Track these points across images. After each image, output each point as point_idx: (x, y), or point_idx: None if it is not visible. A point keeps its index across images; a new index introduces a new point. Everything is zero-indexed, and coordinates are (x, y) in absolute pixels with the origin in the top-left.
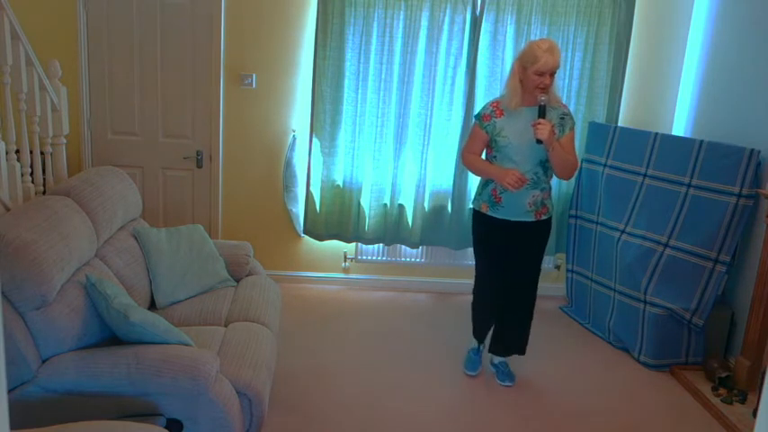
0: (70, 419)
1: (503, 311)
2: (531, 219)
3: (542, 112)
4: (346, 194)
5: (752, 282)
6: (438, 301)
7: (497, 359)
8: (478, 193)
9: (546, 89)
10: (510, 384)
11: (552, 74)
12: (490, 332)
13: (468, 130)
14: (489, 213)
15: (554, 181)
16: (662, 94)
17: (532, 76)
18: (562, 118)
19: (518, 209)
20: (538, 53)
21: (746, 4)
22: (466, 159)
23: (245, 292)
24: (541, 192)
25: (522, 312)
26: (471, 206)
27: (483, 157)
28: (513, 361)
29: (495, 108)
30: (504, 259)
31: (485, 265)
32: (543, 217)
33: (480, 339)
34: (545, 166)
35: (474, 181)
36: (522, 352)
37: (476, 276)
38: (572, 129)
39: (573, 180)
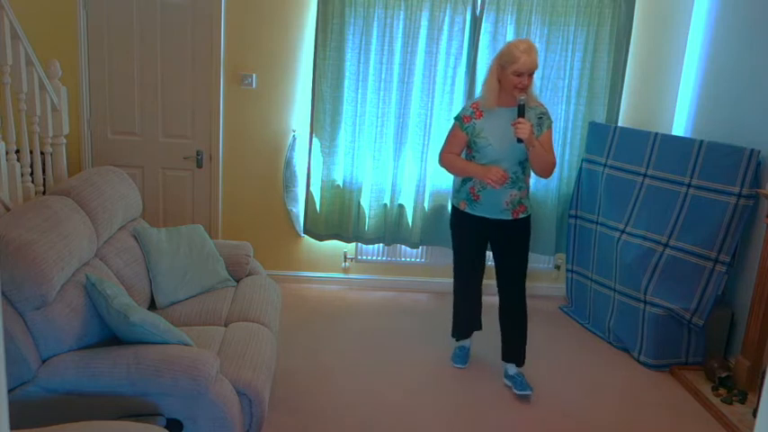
0: (70, 419)
1: (505, 318)
2: (509, 217)
3: (521, 112)
4: (346, 194)
5: (752, 282)
6: (438, 301)
7: (513, 370)
8: (456, 191)
9: (525, 89)
10: (529, 393)
11: (530, 74)
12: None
13: None
14: (467, 210)
15: (554, 182)
16: (662, 94)
17: (511, 77)
18: (540, 117)
19: (496, 207)
20: (516, 53)
21: (746, 4)
22: (444, 159)
23: (245, 292)
24: (519, 191)
25: (517, 316)
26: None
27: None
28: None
29: (476, 109)
30: (483, 254)
31: (464, 261)
32: (521, 216)
33: (463, 336)
34: (524, 166)
35: None
36: (520, 362)
37: (455, 275)
38: (549, 127)
39: (573, 180)
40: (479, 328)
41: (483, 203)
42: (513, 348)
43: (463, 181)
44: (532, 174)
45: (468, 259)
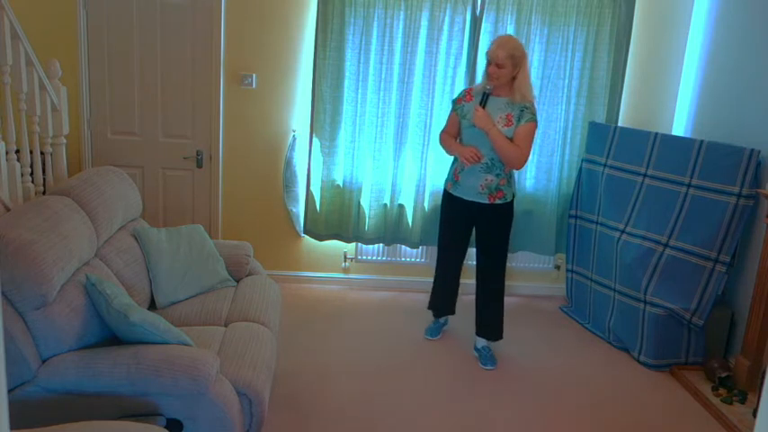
0: (70, 419)
1: (478, 296)
2: (485, 201)
3: (483, 100)
4: (346, 194)
5: (752, 282)
6: None
7: (481, 344)
8: (448, 174)
9: (492, 78)
10: (492, 367)
11: (498, 64)
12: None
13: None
14: (451, 191)
15: (554, 182)
16: (662, 94)
17: (487, 65)
18: (522, 110)
19: (471, 189)
20: (491, 45)
21: (746, 4)
22: (441, 137)
23: (245, 292)
24: (496, 177)
25: (493, 297)
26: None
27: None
28: (511, 357)
29: (467, 93)
30: (466, 236)
31: (446, 240)
32: (498, 201)
33: (438, 314)
34: None
35: None
36: (494, 338)
37: (438, 254)
38: (528, 121)
39: (573, 180)
40: (452, 312)
41: (462, 185)
42: (487, 325)
43: (452, 164)
44: (534, 174)
45: (450, 238)
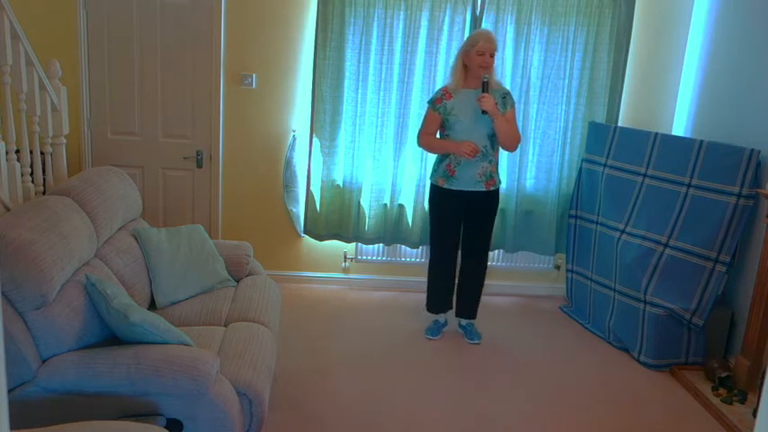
0: (70, 419)
1: (466, 281)
2: (483, 188)
3: (485, 88)
4: (346, 194)
5: (752, 282)
6: None
7: (464, 321)
8: (434, 170)
9: (488, 68)
10: (477, 342)
11: (492, 55)
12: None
13: None
14: (446, 186)
15: (554, 182)
16: (662, 94)
17: (476, 57)
18: (504, 97)
19: (470, 179)
20: (477, 37)
21: (746, 4)
22: (423, 140)
23: (245, 292)
24: (489, 164)
25: (481, 277)
26: (429, 181)
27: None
28: (511, 356)
29: (445, 92)
30: (459, 229)
31: (441, 235)
32: (492, 188)
33: (435, 311)
34: (492, 141)
35: None
36: (472, 316)
37: (431, 250)
38: (513, 106)
39: (573, 180)
40: (451, 307)
41: (459, 178)
42: (470, 305)
43: (440, 160)
44: (534, 174)
45: (445, 233)
